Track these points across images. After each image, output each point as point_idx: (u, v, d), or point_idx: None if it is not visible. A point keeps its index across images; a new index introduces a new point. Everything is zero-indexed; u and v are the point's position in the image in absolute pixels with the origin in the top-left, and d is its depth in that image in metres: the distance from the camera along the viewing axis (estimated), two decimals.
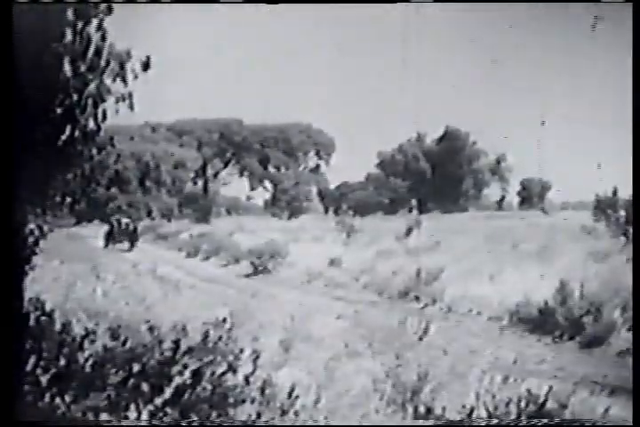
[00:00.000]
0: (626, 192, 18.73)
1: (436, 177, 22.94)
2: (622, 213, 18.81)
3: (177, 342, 10.53)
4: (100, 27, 11.44)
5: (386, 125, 19.38)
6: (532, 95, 17.57)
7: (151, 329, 10.86)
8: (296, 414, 10.58)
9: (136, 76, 11.62)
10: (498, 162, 22.08)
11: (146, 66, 11.73)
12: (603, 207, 19.18)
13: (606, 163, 17.67)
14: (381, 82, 18.11)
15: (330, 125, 21.96)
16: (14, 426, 9.95)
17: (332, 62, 18.46)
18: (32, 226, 10.54)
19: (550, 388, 10.60)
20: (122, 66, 11.55)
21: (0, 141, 9.91)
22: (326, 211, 22.94)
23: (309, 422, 10.53)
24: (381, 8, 13.13)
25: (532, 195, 21.70)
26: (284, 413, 10.57)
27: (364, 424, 10.47)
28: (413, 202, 19.20)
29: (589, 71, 17.29)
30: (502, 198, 22.54)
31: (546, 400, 10.07)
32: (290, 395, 10.57)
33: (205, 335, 10.79)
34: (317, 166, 24.35)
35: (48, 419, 10.00)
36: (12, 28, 10.43)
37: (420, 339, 14.07)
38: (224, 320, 11.50)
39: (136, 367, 10.47)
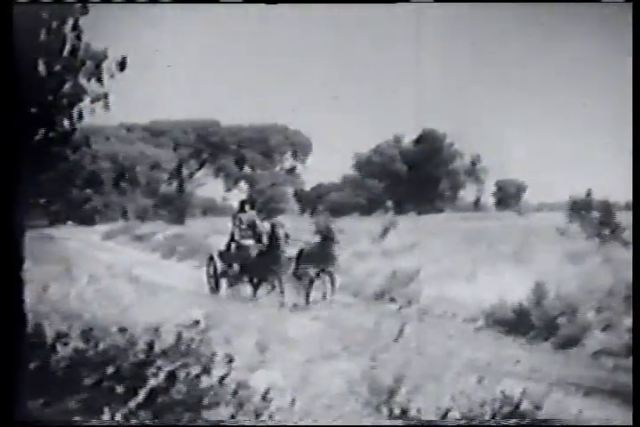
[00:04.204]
0: (600, 193, 18.83)
1: (413, 178, 22.93)
2: (596, 214, 18.89)
3: (151, 345, 10.48)
4: (75, 26, 11.36)
5: (363, 127, 19.37)
6: (513, 96, 17.61)
7: (125, 331, 10.79)
8: (270, 416, 10.54)
9: (112, 76, 11.54)
10: (473, 163, 22.11)
11: (122, 66, 11.66)
12: (577, 209, 19.25)
13: (581, 164, 17.72)
14: (360, 83, 18.11)
15: (307, 127, 21.93)
16: (14, 426, 9.89)
17: (315, 64, 18.40)
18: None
19: (525, 389, 10.63)
20: (97, 66, 11.47)
21: None
22: (302, 212, 22.91)
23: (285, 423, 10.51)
24: (381, 8, 13.07)
25: (507, 196, 21.75)
26: (258, 415, 10.53)
27: (339, 425, 10.44)
28: (389, 203, 19.17)
29: (579, 72, 17.32)
30: (478, 200, 22.57)
31: (520, 401, 10.08)
32: (264, 397, 10.53)
33: (179, 337, 10.74)
34: (294, 167, 24.29)
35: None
36: (12, 28, 10.38)
37: (396, 340, 14.06)
38: (198, 322, 11.45)
39: (110, 370, 10.41)
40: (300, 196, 23.25)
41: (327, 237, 19.23)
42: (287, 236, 19.51)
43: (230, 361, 10.82)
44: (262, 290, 19.66)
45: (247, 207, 20.52)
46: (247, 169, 24.66)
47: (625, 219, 18.91)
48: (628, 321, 13.97)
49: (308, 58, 18.45)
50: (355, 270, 19.56)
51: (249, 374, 11.22)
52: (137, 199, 24.44)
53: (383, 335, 13.99)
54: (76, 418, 10.11)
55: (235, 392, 10.56)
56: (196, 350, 10.76)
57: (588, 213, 19.01)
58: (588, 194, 19.00)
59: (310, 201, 22.84)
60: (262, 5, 12.75)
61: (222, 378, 10.54)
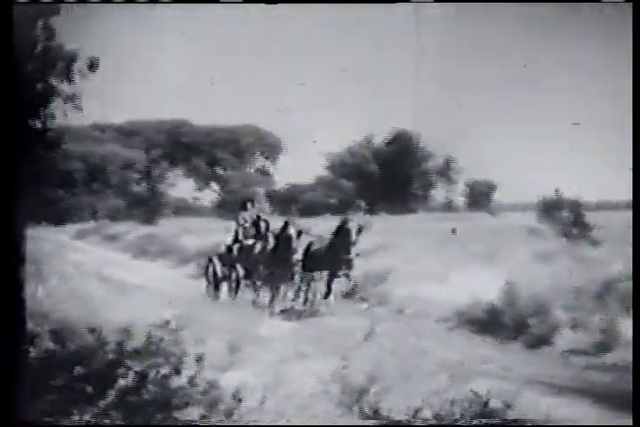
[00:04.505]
0: (570, 193, 18.90)
1: (385, 179, 22.96)
2: (566, 214, 18.97)
3: (121, 345, 10.44)
4: (46, 27, 11.29)
5: (336, 127, 19.36)
6: (491, 97, 17.68)
7: (95, 331, 10.75)
8: (242, 416, 10.53)
9: (83, 77, 11.48)
10: (446, 164, 22.17)
11: (92, 66, 11.59)
12: (547, 209, 19.33)
13: (551, 164, 17.80)
14: (334, 84, 18.09)
15: (278, 127, 21.90)
16: (14, 426, 9.84)
17: (292, 64, 18.37)
18: None
19: (495, 388, 10.67)
20: (69, 66, 11.40)
21: None
22: (273, 212, 22.88)
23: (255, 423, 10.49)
24: (381, 8, 13.05)
25: (478, 196, 21.83)
26: (229, 415, 10.52)
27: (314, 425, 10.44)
28: (362, 204, 19.16)
29: (563, 71, 17.37)
30: (450, 200, 22.63)
31: (490, 400, 10.12)
32: (235, 397, 10.52)
33: (150, 337, 10.71)
34: (265, 168, 24.26)
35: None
36: (12, 28, 10.34)
37: (367, 340, 14.07)
38: (169, 322, 11.42)
39: (80, 370, 10.36)
40: (271, 196, 23.23)
41: (342, 237, 17.73)
42: (299, 234, 18.37)
43: (201, 360, 10.80)
44: (265, 294, 18.51)
45: (249, 206, 19.49)
46: (219, 169, 24.60)
47: (594, 219, 19.01)
48: (598, 320, 14.04)
49: (307, 58, 18.38)
50: None
51: (220, 374, 11.20)
52: (108, 199, 24.32)
53: (355, 335, 14.01)
54: (47, 419, 10.07)
55: (205, 392, 10.54)
56: (166, 350, 10.72)
57: (557, 212, 19.10)
58: (558, 194, 19.08)
59: (282, 202, 22.80)
60: (262, 5, 12.77)
61: (193, 378, 10.51)
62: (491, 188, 21.16)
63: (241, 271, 18.83)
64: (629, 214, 17.75)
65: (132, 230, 23.78)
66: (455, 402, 10.16)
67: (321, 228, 19.97)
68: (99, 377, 10.19)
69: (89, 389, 10.06)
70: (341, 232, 17.82)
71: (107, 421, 9.95)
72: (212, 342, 12.31)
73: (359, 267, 18.55)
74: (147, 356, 10.59)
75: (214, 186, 24.37)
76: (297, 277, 18.30)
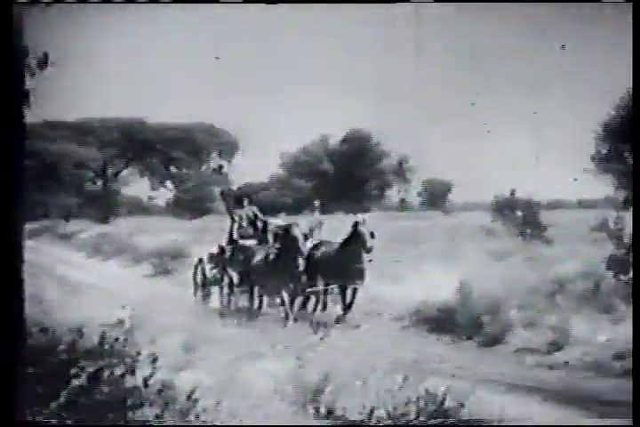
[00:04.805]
0: (524, 193, 19.04)
1: (340, 178, 23.01)
2: (520, 213, 19.12)
3: (74, 345, 10.35)
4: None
5: (291, 126, 19.36)
6: (457, 97, 17.73)
7: (47, 331, 10.65)
8: (197, 416, 10.49)
9: (33, 74, 11.35)
10: (400, 163, 22.25)
11: (43, 63, 11.45)
12: (501, 208, 19.48)
13: (505, 164, 17.92)
14: (287, 83, 18.06)
15: (233, 126, 21.86)
16: (14, 426, 9.75)
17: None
18: None
19: (449, 387, 10.72)
20: (21, 63, 11.26)
21: None
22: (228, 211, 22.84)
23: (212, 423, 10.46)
24: (381, 8, 13.03)
25: (433, 196, 21.94)
26: (184, 415, 10.47)
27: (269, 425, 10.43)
28: (317, 203, 19.16)
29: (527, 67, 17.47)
30: (404, 199, 22.72)
31: (444, 399, 10.16)
32: (190, 397, 10.47)
33: (103, 337, 10.63)
34: (220, 167, 24.19)
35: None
36: (12, 28, 10.24)
37: (322, 339, 14.08)
38: (123, 322, 11.34)
39: (31, 370, 10.26)
40: (226, 195, 23.17)
41: (353, 243, 16.20)
42: (306, 237, 16.61)
43: (156, 360, 10.73)
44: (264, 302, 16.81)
45: (246, 202, 17.83)
46: (174, 168, 24.49)
47: (548, 218, 19.19)
48: (550, 319, 14.16)
49: (306, 57, 18.32)
50: None
51: (174, 374, 11.15)
52: (61, 198, 24.11)
53: (309, 334, 14.03)
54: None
55: (160, 392, 10.49)
56: (120, 350, 10.65)
57: (511, 212, 19.25)
58: (512, 193, 19.23)
59: (237, 200, 22.76)
60: (262, 5, 12.74)
61: (147, 378, 10.45)
62: (446, 187, 21.27)
63: (235, 276, 17.17)
64: (582, 213, 17.95)
65: (86, 229, 23.63)
66: (410, 401, 10.19)
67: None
68: (51, 378, 10.10)
69: (40, 389, 9.97)
70: (352, 237, 16.36)
71: (54, 421, 9.88)
72: (166, 341, 12.27)
73: None
74: (100, 356, 10.51)
75: (169, 185, 24.27)
76: (299, 288, 16.38)
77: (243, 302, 16.97)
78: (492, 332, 14.56)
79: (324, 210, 22.15)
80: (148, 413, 10.37)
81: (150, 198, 24.49)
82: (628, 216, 13.38)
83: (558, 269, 15.94)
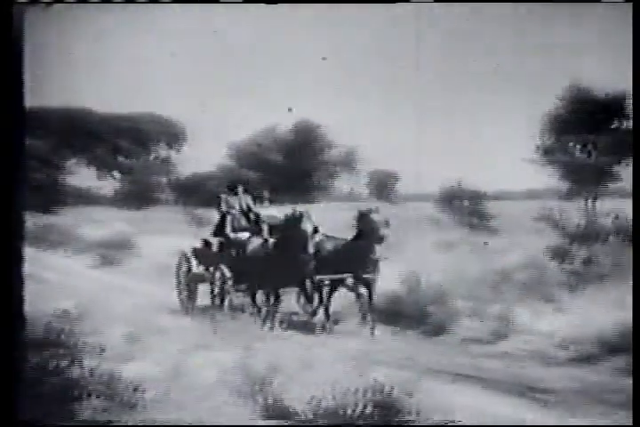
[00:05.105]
0: (470, 183, 19.17)
1: (288, 169, 22.99)
2: (466, 203, 19.25)
3: (18, 335, 10.26)
4: None
5: (239, 116, 19.27)
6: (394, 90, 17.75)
7: None
8: (144, 407, 10.47)
9: None
10: (348, 154, 22.29)
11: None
12: (448, 198, 19.60)
13: (452, 154, 18.04)
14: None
15: (181, 115, 21.72)
16: (14, 426, 9.66)
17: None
18: None
19: (396, 377, 10.80)
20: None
21: None
22: (176, 202, 22.71)
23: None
24: (381, 8, 13.00)
25: (380, 186, 22.00)
26: (131, 407, 10.44)
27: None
28: (266, 193, 19.09)
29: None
30: (352, 190, 22.77)
31: (392, 389, 10.23)
32: (136, 389, 10.44)
33: (49, 328, 10.56)
34: (168, 157, 24.06)
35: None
36: (12, 28, 10.11)
37: (271, 330, 14.12)
38: (68, 312, 11.27)
39: None
40: (174, 185, 23.06)
41: (367, 234, 14.96)
42: (316, 231, 14.93)
43: (102, 351, 10.69)
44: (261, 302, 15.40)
45: (240, 190, 16.46)
46: (120, 158, 24.31)
47: (493, 209, 19.33)
48: (495, 308, 14.29)
49: (305, 57, 18.22)
50: None
51: (121, 366, 11.11)
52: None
53: (257, 325, 14.03)
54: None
55: (106, 383, 10.45)
56: (65, 341, 10.59)
57: (458, 202, 19.39)
58: (459, 184, 19.36)
59: (185, 191, 22.66)
60: (262, 5, 12.68)
61: (93, 369, 10.40)
62: (392, 178, 21.35)
63: (227, 273, 15.46)
64: (527, 204, 18.12)
65: (31, 219, 23.37)
66: (357, 391, 10.25)
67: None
68: None
69: None
70: (364, 225, 15.21)
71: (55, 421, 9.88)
72: (112, 332, 12.20)
73: None
74: (46, 347, 10.44)
75: (116, 175, 24.08)
76: (308, 284, 15.03)
77: (238, 300, 15.59)
78: (437, 322, 14.66)
79: (273, 200, 22.13)
80: (95, 404, 10.33)
81: (96, 188, 24.29)
82: (571, 206, 13.56)
83: (503, 259, 16.08)
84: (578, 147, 18.66)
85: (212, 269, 15.90)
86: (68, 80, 18.53)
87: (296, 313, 15.53)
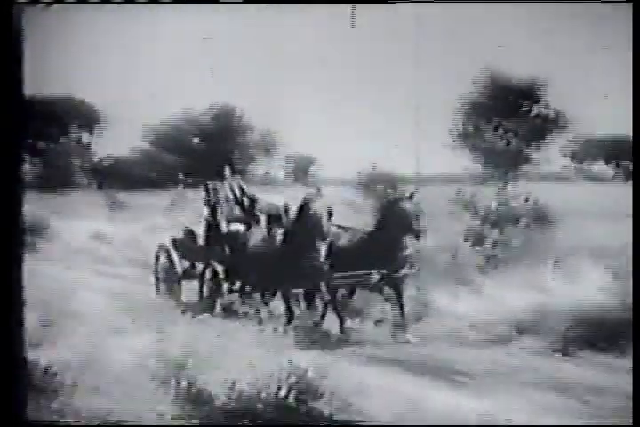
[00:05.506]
0: (385, 168, 19.28)
1: (204, 152, 22.85)
2: (381, 187, 19.37)
3: None
4: None
5: (155, 99, 19.07)
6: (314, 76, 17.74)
7: None
8: (55, 391, 10.39)
9: None
10: (265, 137, 22.23)
11: None
12: (364, 182, 19.71)
13: (368, 138, 18.13)
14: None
15: (97, 98, 21.44)
16: (15, 426, 9.45)
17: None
18: None
19: (311, 359, 10.86)
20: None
21: None
22: (91, 185, 22.45)
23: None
24: (381, 8, 12.88)
25: (296, 170, 22.01)
26: (41, 391, 10.35)
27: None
28: (181, 176, 18.93)
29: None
30: (268, 173, 22.75)
31: (306, 371, 10.28)
32: (47, 372, 10.35)
33: None
34: (81, 139, 23.75)
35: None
36: (12, 28, 10.31)
37: (184, 313, 14.04)
38: None
39: None
40: (89, 168, 22.77)
41: (394, 225, 13.18)
42: (330, 216, 13.00)
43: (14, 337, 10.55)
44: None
45: (228, 172, 14.74)
46: (33, 141, 23.92)
47: (408, 192, 19.50)
48: (411, 291, 14.38)
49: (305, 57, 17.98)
50: (145, 244, 19.33)
51: (32, 350, 10.98)
52: None
53: (172, 308, 13.96)
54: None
55: (19, 368, 10.33)
56: None
57: (374, 186, 19.51)
58: (374, 168, 19.47)
59: (100, 173, 22.39)
60: (262, 5, 12.53)
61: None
62: (309, 161, 21.37)
63: (220, 269, 13.48)
64: (444, 188, 18.31)
65: None
66: (272, 374, 10.28)
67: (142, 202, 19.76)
68: None
69: None
70: (391, 215, 13.58)
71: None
72: (27, 317, 12.04)
73: None
74: None
75: (30, 158, 23.71)
76: (323, 285, 12.91)
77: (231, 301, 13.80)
78: (354, 305, 14.72)
79: (189, 184, 21.99)
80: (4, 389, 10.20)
81: None
82: (484, 190, 13.74)
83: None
84: (492, 131, 18.87)
85: (198, 264, 14.24)
86: (68, 80, 18.28)
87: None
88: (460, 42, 16.66)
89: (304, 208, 13.10)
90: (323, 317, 13.50)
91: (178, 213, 17.45)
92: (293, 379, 10.28)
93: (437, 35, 16.37)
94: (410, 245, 13.34)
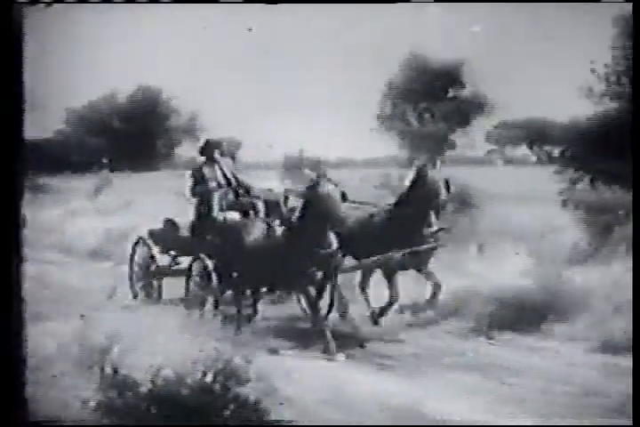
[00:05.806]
0: (313, 151, 19.33)
1: (129, 135, 22.61)
2: (307, 171, 19.44)
3: None
4: None
5: (77, 82, 18.78)
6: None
7: None
8: None
9: None
10: (191, 120, 22.08)
11: None
12: (290, 167, 19.75)
13: (295, 122, 18.12)
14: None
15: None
16: (16, 426, 9.51)
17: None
18: None
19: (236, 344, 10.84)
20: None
21: None
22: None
23: None
24: (381, 8, 12.68)
25: (223, 154, 21.95)
26: None
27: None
28: (104, 160, 18.74)
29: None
30: (194, 158, 22.65)
31: (232, 357, 10.27)
32: None
33: None
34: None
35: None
36: (12, 28, 10.17)
37: (110, 298, 13.91)
38: None
39: None
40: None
41: (419, 199, 11.89)
42: (344, 198, 11.36)
43: None
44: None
45: (217, 154, 13.20)
46: None
47: (333, 176, 19.55)
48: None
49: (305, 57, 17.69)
50: (67, 228, 19.12)
51: None
52: None
53: (96, 294, 13.82)
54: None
55: None
56: None
57: (299, 171, 19.55)
58: (300, 152, 19.50)
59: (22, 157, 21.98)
60: (262, 5, 12.28)
61: None
62: (235, 146, 21.28)
63: (210, 264, 11.96)
64: (367, 172, 18.39)
65: None
66: (198, 360, 10.24)
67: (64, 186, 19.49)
68: None
69: None
70: (419, 188, 12.10)
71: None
72: None
73: (101, 225, 18.27)
74: None
75: None
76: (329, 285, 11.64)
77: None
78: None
79: (112, 168, 21.74)
80: None
81: None
82: (410, 174, 13.77)
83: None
84: (416, 115, 19.00)
85: (179, 259, 13.11)
86: (68, 80, 17.89)
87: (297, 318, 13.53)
88: (385, 26, 16.72)
89: (311, 193, 11.44)
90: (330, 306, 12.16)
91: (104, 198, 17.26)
92: (219, 365, 10.24)
93: (364, 20, 16.42)
94: (434, 222, 12.05)
